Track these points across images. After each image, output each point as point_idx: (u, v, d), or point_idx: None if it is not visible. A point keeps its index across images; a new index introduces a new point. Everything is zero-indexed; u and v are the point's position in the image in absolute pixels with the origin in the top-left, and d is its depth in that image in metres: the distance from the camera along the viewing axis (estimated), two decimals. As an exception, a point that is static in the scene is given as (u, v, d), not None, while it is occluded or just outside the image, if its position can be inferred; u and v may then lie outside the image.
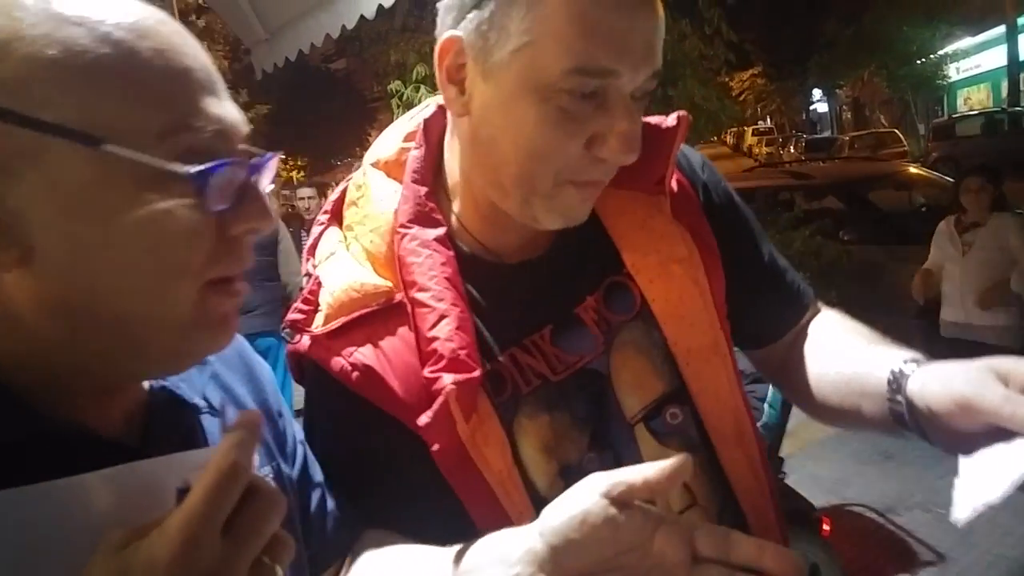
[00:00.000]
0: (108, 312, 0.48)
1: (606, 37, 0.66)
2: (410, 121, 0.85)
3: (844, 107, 28.54)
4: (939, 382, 0.68)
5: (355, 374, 0.72)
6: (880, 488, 3.36)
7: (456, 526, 0.70)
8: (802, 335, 0.92)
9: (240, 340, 0.71)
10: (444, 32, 0.72)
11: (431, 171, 0.80)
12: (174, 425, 0.57)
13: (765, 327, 0.93)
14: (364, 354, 0.73)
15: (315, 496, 0.73)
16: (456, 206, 0.80)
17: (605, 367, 0.79)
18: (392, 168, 0.82)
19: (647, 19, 0.68)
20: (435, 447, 0.70)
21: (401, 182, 0.80)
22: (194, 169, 0.46)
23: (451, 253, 0.75)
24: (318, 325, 0.75)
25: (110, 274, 0.47)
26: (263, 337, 4.01)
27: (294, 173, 23.25)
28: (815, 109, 31.20)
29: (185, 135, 0.47)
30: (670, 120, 0.82)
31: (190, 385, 0.60)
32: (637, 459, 0.77)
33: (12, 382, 0.49)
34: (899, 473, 3.38)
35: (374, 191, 0.81)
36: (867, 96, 25.14)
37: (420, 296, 0.72)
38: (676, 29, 4.76)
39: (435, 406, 0.68)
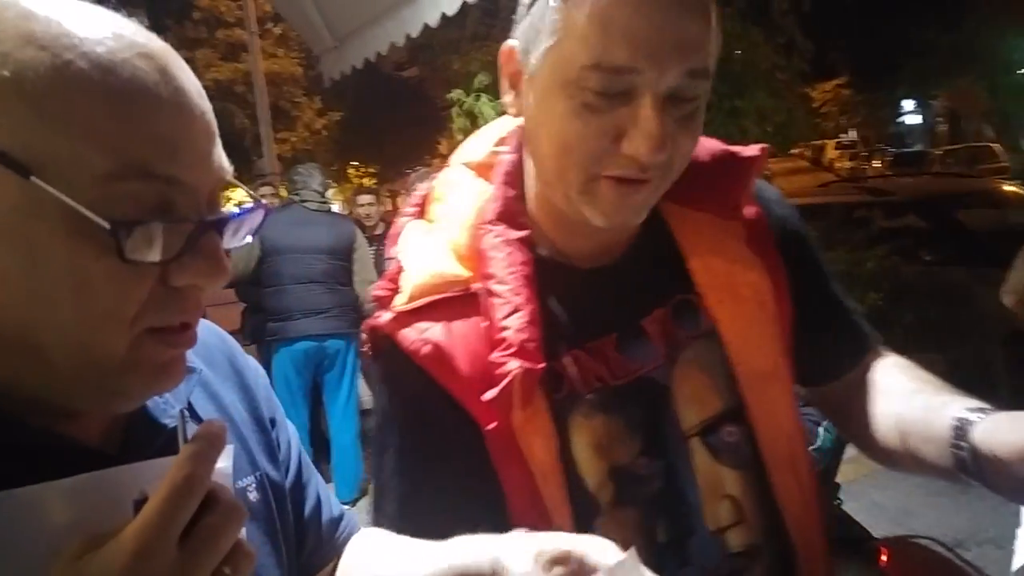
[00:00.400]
0: (35, 342, 0.47)
1: (623, 35, 0.69)
2: (501, 127, 0.91)
3: (938, 119, 27.37)
4: (1006, 430, 0.70)
5: (425, 349, 0.78)
6: (950, 521, 3.23)
7: (493, 513, 0.76)
8: (864, 376, 0.93)
9: (230, 345, 0.73)
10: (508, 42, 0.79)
11: (519, 175, 0.86)
12: (153, 435, 0.57)
13: (827, 365, 0.96)
14: (436, 333, 0.79)
15: (309, 501, 0.77)
16: (532, 209, 0.86)
17: (665, 378, 0.83)
18: (481, 170, 0.89)
19: (678, 17, 0.69)
20: (490, 426, 0.76)
21: (490, 183, 0.86)
22: (110, 222, 0.44)
23: (530, 255, 0.81)
24: (399, 303, 0.82)
25: (35, 305, 0.46)
26: (334, 339, 4.14)
27: (365, 180, 23.85)
28: (904, 121, 30.02)
29: (129, 183, 0.46)
30: (750, 150, 0.87)
31: (174, 394, 0.59)
32: (690, 470, 0.83)
33: None
34: (972, 507, 3.25)
35: (462, 187, 0.88)
36: (965, 107, 24.05)
37: (497, 288, 0.78)
38: (746, 38, 4.71)
39: (501, 384, 0.74)
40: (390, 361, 0.82)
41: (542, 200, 0.84)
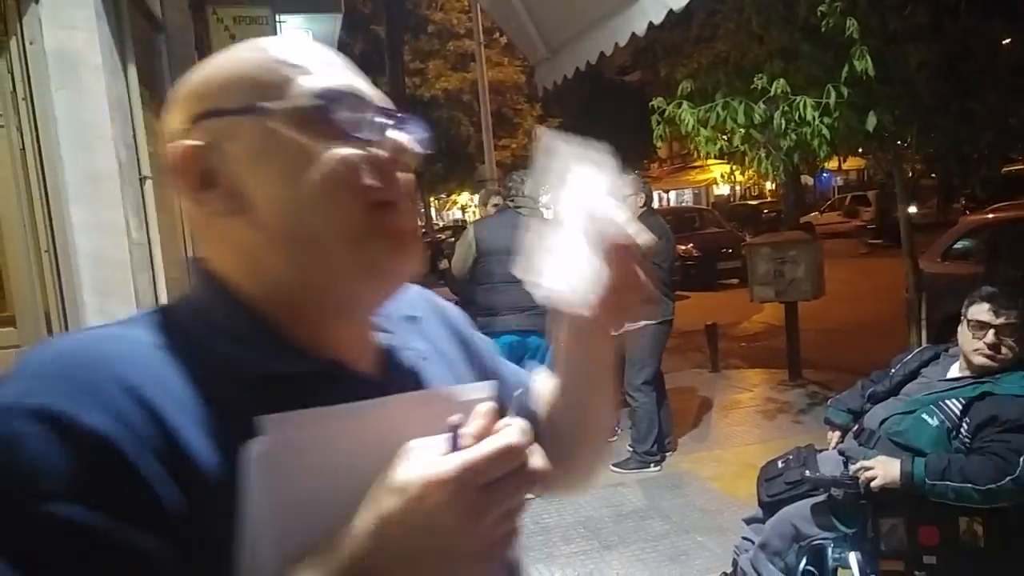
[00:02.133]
0: (305, 232, 0.64)
1: None
2: None
3: None
4: None
5: None
6: None
7: None
8: None
9: (428, 292, 0.92)
10: None
11: None
12: (404, 367, 0.75)
13: None
14: None
15: (508, 385, 0.92)
16: None
17: None
18: None
19: None
20: None
21: None
22: (320, 97, 0.64)
23: None
24: None
25: (298, 198, 0.63)
26: (535, 335, 4.53)
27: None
28: None
29: (316, 91, 0.66)
30: None
31: (407, 334, 0.79)
32: None
33: (280, 323, 0.65)
34: None
35: None
36: None
37: None
38: (985, 34, 4.40)
39: None
40: None
41: None
